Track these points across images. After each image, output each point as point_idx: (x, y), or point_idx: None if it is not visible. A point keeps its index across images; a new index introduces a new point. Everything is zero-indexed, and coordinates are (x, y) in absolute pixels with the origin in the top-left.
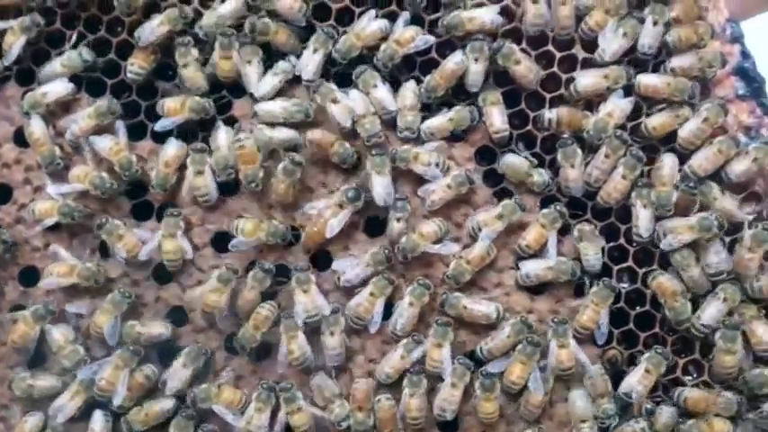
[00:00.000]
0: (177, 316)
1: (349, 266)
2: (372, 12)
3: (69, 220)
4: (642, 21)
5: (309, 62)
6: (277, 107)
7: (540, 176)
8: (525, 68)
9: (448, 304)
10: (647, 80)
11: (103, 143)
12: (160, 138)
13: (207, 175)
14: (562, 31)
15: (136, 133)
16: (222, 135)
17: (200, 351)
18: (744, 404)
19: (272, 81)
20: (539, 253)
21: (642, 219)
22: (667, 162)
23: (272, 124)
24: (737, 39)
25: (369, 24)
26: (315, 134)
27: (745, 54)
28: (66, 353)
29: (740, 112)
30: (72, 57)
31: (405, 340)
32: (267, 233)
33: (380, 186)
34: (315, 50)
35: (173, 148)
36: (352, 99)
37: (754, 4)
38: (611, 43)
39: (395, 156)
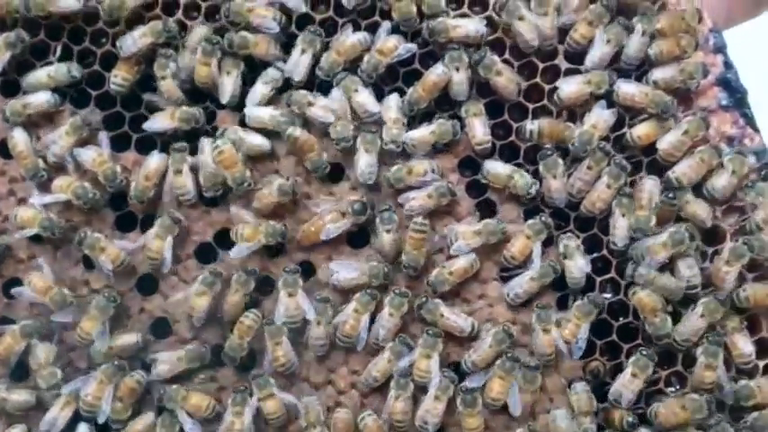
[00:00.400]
0: (161, 327)
1: (345, 269)
2: (349, 26)
3: (49, 235)
4: (628, 28)
5: (299, 63)
6: (266, 114)
7: (523, 178)
8: (506, 80)
9: (425, 309)
10: (625, 88)
11: (87, 155)
12: (144, 149)
13: (186, 175)
14: (545, 42)
15: (120, 144)
16: (207, 151)
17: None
18: (713, 402)
19: (262, 90)
20: (523, 264)
21: (619, 228)
22: (647, 186)
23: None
24: (720, 49)
25: (347, 37)
26: (299, 132)
27: (728, 64)
28: (44, 373)
29: (723, 122)
30: (60, 70)
31: (391, 343)
32: (266, 234)
33: (365, 164)
34: (303, 51)
35: (155, 161)
36: (333, 99)
37: (739, 12)
38: (594, 51)
39: (388, 180)
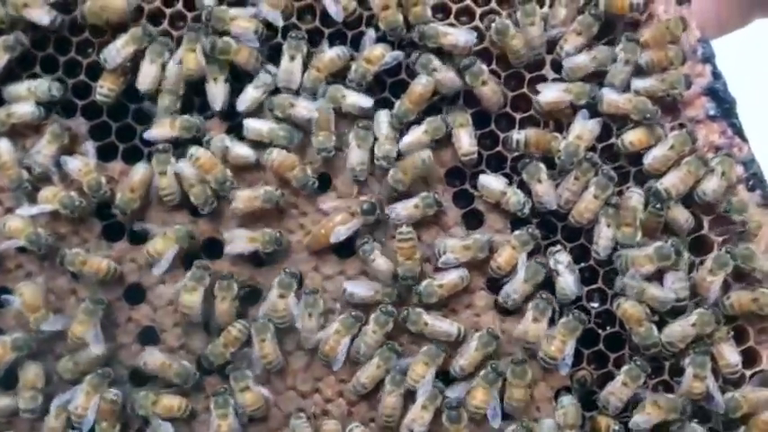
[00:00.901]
0: (149, 336)
1: (360, 287)
2: (324, 41)
3: (35, 249)
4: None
5: (293, 71)
6: (265, 127)
7: (516, 195)
8: (491, 90)
9: (410, 321)
10: (609, 96)
11: (73, 164)
12: (132, 159)
13: (170, 176)
14: (532, 52)
15: (107, 154)
16: (188, 172)
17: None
18: (689, 403)
19: (254, 94)
20: (509, 275)
21: (603, 238)
22: (633, 202)
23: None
24: (708, 59)
25: (325, 53)
26: (275, 154)
27: (716, 74)
28: (26, 395)
29: (711, 132)
30: (41, 87)
31: (380, 349)
32: (263, 242)
33: (356, 159)
34: (292, 58)
35: (139, 172)
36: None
37: (729, 21)
38: (575, 58)
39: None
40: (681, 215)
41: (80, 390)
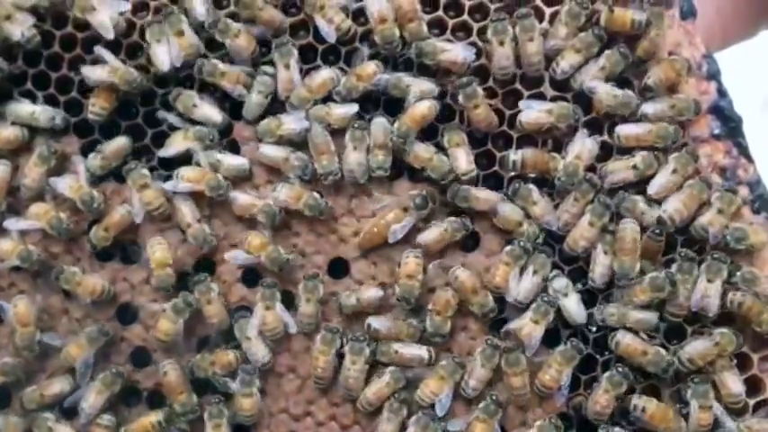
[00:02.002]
0: (141, 356)
1: (381, 323)
2: (320, 64)
3: (27, 267)
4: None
5: (291, 78)
6: (280, 155)
7: (531, 227)
8: (481, 115)
9: (379, 352)
10: (627, 130)
11: (63, 183)
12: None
13: (152, 187)
14: (530, 68)
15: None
16: (188, 210)
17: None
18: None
19: (258, 100)
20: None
21: (600, 265)
22: (628, 230)
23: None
24: (714, 76)
25: (319, 74)
26: (240, 199)
27: (721, 92)
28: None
29: (715, 152)
30: (45, 114)
31: (392, 368)
32: (269, 257)
33: (355, 162)
34: (286, 66)
35: (119, 213)
36: (316, 134)
37: (736, 32)
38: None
39: None
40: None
41: (92, 387)
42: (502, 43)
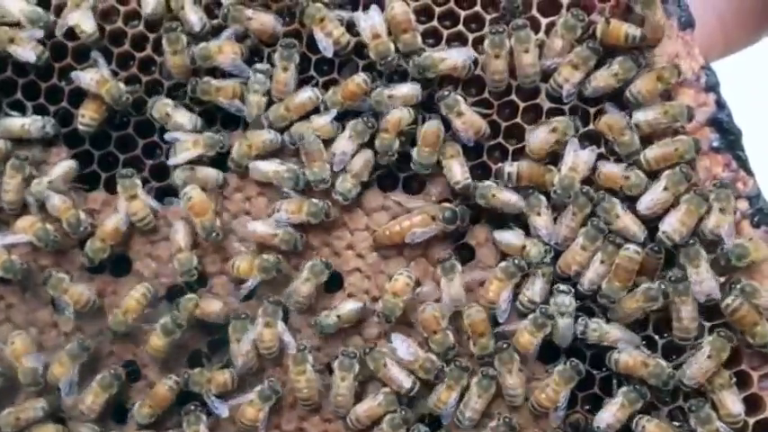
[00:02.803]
0: (131, 369)
1: (402, 345)
2: (313, 75)
3: (11, 277)
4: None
5: (287, 81)
6: (270, 168)
7: (536, 246)
8: (466, 123)
9: (370, 357)
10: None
11: (53, 201)
12: (114, 188)
13: (141, 198)
14: (526, 80)
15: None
16: (181, 234)
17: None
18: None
19: (255, 99)
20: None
21: (592, 272)
22: (627, 258)
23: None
24: (713, 87)
25: (299, 94)
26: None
27: (720, 104)
28: None
29: (714, 165)
30: (36, 124)
31: (386, 389)
32: (260, 269)
33: (360, 159)
34: (285, 69)
35: (113, 221)
36: (309, 143)
37: (738, 38)
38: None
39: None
40: (633, 224)
41: (90, 389)
42: (498, 56)
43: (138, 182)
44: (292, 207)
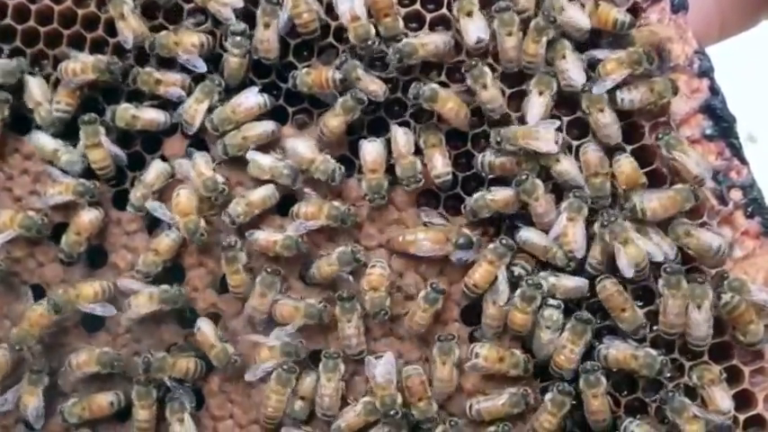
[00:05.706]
0: None
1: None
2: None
3: None
4: None
5: (269, 38)
6: (267, 162)
7: (561, 250)
8: (453, 109)
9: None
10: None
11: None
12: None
13: (104, 146)
14: (509, 64)
15: None
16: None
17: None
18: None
19: (236, 63)
20: (485, 293)
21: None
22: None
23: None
24: (706, 73)
25: (246, 99)
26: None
27: (714, 90)
28: None
29: (707, 153)
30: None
31: (366, 398)
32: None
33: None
34: (266, 25)
35: (88, 215)
36: (306, 146)
37: (735, 22)
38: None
39: None
40: (572, 168)
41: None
42: (510, 34)
43: (102, 129)
44: (313, 209)
